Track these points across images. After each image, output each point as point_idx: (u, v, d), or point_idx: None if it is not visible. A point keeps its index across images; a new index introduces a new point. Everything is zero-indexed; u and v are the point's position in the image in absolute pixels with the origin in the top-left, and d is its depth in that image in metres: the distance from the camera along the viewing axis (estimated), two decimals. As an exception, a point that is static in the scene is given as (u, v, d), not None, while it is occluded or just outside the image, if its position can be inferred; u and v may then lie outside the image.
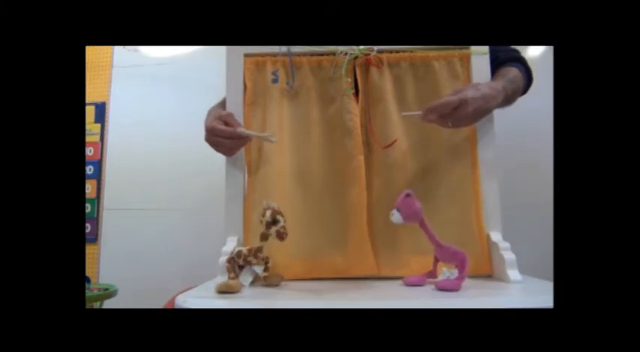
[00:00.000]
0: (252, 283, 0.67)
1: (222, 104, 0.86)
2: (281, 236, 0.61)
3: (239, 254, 0.65)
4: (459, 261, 0.63)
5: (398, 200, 0.63)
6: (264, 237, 0.62)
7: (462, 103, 0.70)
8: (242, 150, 0.80)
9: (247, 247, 0.66)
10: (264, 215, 0.63)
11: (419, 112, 0.73)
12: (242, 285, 0.66)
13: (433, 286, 0.64)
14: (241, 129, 0.76)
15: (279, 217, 0.62)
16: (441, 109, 0.71)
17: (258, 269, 0.67)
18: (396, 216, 0.62)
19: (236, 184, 0.80)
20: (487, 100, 0.73)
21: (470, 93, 0.72)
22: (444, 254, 0.65)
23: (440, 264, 0.68)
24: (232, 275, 0.65)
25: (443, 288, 0.62)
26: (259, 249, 0.66)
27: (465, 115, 0.72)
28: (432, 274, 0.69)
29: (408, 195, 0.62)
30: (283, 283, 0.70)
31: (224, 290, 0.61)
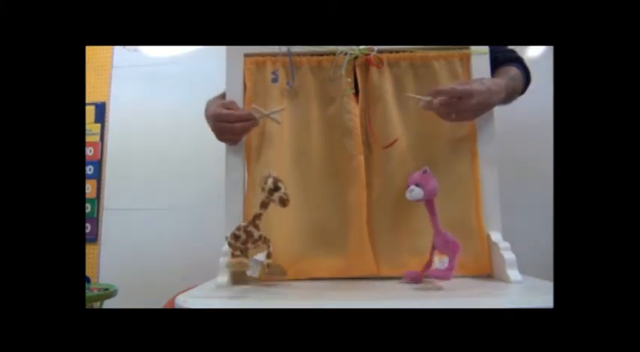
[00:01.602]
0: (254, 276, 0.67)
1: (222, 96, 0.86)
2: (283, 202, 0.61)
3: (239, 228, 0.65)
4: (450, 250, 0.63)
5: (415, 176, 0.63)
6: (265, 205, 0.63)
7: (467, 95, 0.71)
8: (241, 149, 0.80)
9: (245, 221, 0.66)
10: (265, 182, 0.63)
11: (425, 98, 0.73)
12: (253, 276, 0.66)
13: (433, 285, 0.64)
14: (253, 106, 0.75)
15: (280, 185, 0.63)
16: (447, 93, 0.72)
17: (261, 257, 0.66)
18: (416, 192, 0.61)
19: (236, 184, 0.80)
20: (491, 95, 0.75)
21: (475, 86, 0.73)
22: (440, 240, 0.65)
23: (436, 252, 0.68)
24: (237, 252, 0.65)
25: (433, 277, 0.62)
26: (257, 216, 0.66)
27: (469, 107, 0.72)
28: (429, 264, 0.68)
29: (425, 171, 0.63)
30: (283, 283, 0.70)
31: (237, 268, 0.61)
